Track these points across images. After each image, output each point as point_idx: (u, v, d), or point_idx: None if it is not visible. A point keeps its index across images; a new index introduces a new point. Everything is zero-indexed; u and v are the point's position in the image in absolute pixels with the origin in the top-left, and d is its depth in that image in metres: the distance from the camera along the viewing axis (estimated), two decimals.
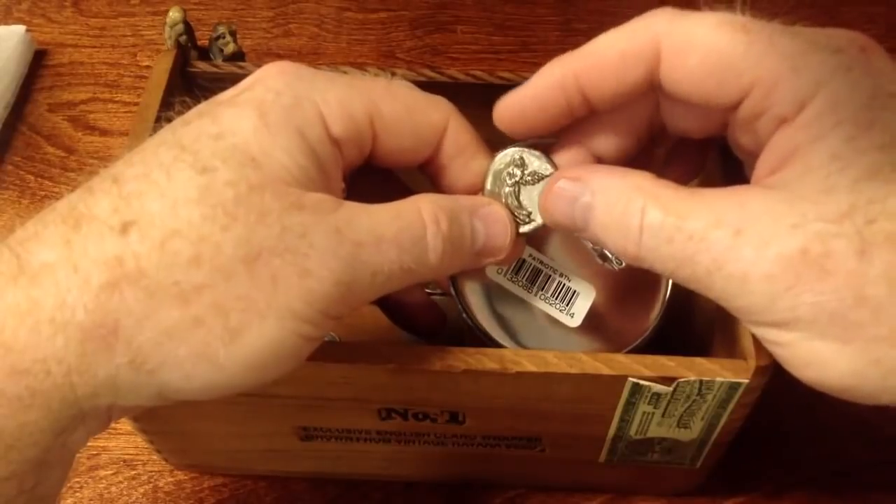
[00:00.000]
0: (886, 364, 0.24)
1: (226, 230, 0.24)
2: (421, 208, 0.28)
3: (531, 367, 0.31)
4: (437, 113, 0.30)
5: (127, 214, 0.24)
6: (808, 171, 0.24)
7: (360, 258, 0.26)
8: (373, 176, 0.31)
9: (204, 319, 0.24)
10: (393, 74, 0.30)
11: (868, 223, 0.23)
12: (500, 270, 0.33)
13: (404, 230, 0.27)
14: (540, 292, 0.33)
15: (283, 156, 0.26)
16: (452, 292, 0.34)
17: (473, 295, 0.34)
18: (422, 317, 0.36)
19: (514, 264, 0.33)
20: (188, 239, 0.24)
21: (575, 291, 0.33)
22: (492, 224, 0.30)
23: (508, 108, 0.30)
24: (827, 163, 0.24)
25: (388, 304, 0.36)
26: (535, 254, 0.33)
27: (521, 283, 0.33)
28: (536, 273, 0.33)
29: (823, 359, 0.25)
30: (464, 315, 0.34)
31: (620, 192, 0.27)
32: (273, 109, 0.26)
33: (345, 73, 0.29)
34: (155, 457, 0.43)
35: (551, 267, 0.33)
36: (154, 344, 0.24)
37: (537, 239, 0.34)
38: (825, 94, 0.24)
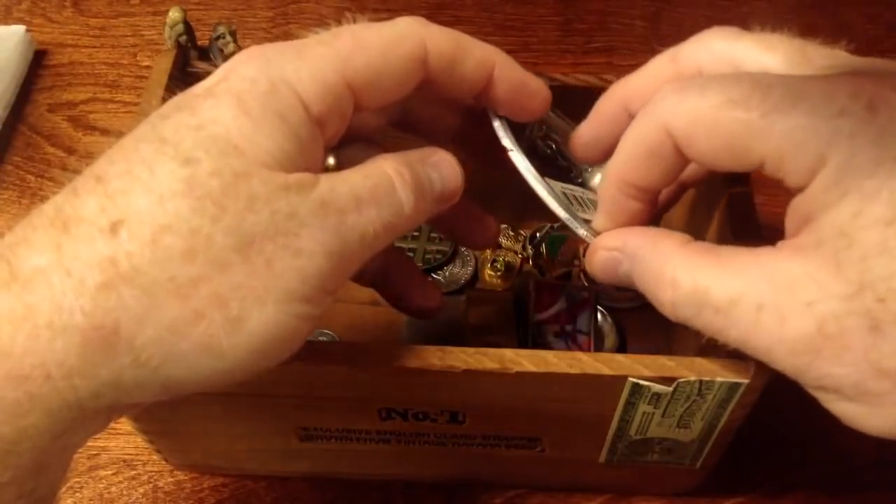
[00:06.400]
0: None
1: (216, 221, 0.24)
2: (382, 165, 0.28)
3: (531, 367, 0.31)
4: (410, 43, 0.29)
5: (114, 213, 0.24)
6: (819, 244, 0.25)
7: (346, 224, 0.26)
8: (356, 148, 0.32)
9: (204, 312, 0.24)
10: (354, 19, 0.30)
11: (878, 301, 0.24)
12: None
13: (377, 186, 0.27)
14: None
15: (266, 141, 0.26)
16: (519, 164, 0.33)
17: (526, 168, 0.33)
18: (418, 296, 0.37)
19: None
20: (179, 233, 0.24)
21: None
22: (444, 168, 0.30)
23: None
24: (835, 238, 0.24)
25: (384, 285, 0.36)
26: (567, 188, 0.34)
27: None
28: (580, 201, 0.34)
29: (858, 416, 0.26)
30: (527, 177, 0.32)
31: (651, 263, 0.29)
32: (251, 97, 0.26)
33: (315, 31, 0.29)
34: (155, 457, 0.43)
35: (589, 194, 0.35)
36: (157, 341, 0.24)
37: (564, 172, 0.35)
38: (831, 164, 0.24)
